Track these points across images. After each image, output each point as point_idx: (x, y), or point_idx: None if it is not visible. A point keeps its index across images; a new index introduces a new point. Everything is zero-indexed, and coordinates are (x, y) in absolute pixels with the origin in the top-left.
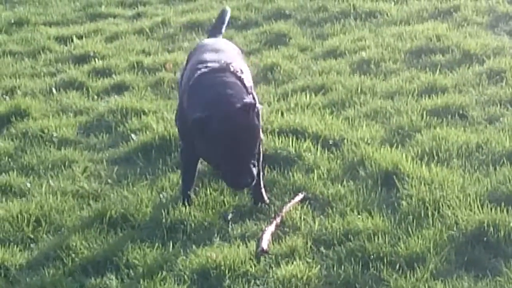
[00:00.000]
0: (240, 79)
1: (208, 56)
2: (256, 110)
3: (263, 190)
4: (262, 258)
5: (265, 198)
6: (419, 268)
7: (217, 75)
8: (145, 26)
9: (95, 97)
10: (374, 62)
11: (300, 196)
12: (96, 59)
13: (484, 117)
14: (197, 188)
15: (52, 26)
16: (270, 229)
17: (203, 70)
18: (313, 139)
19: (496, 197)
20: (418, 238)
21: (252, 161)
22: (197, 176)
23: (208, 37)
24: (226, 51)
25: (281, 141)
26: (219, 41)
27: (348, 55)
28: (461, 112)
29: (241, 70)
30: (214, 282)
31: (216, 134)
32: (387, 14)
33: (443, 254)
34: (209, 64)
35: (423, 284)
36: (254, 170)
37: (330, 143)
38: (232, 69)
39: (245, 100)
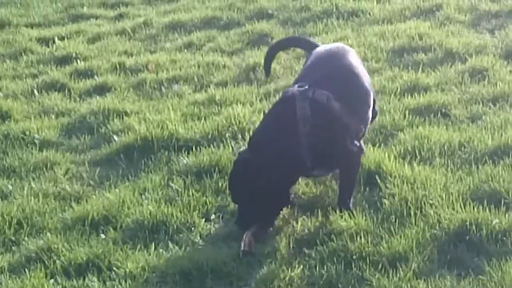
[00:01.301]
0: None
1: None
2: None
3: (347, 199)
4: (245, 260)
5: (348, 205)
6: (401, 267)
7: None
8: (127, 27)
9: (77, 98)
10: None
11: None
12: (78, 60)
13: (466, 115)
14: (179, 189)
15: (33, 28)
16: (253, 229)
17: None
18: None
19: (478, 196)
20: (400, 237)
21: (253, 211)
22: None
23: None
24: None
25: None
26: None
27: None
28: (443, 110)
29: (327, 98)
30: (196, 283)
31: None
32: (369, 13)
33: (425, 253)
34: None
35: (406, 284)
36: (248, 221)
37: None
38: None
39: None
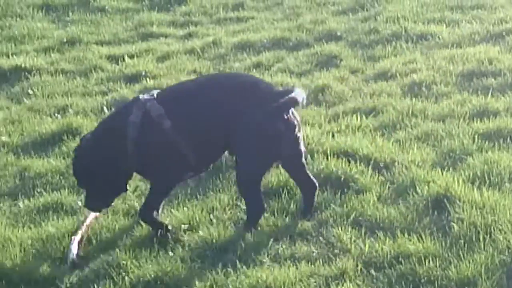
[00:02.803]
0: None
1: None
2: None
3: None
4: (312, 280)
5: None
6: None
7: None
8: (196, 46)
9: None
10: (426, 84)
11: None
12: (148, 79)
13: None
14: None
15: (104, 45)
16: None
17: None
18: (363, 161)
19: None
20: (469, 262)
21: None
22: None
23: None
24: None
25: (332, 163)
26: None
27: (399, 77)
28: None
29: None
30: None
31: None
32: (438, 37)
33: (494, 278)
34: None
35: None
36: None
37: (381, 165)
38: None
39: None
